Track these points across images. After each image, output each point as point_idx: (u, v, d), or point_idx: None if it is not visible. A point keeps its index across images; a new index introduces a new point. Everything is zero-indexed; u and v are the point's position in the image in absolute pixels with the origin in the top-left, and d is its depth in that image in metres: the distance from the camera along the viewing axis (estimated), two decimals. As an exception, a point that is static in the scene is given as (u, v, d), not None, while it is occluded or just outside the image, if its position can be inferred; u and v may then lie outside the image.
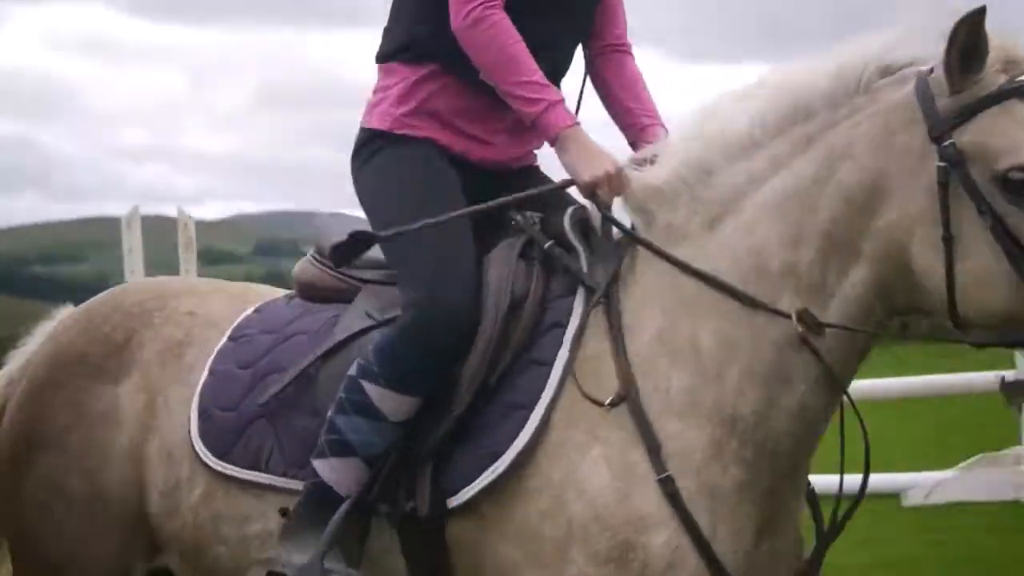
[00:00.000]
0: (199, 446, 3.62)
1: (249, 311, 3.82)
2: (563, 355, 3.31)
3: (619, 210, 3.45)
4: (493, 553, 3.28)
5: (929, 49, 3.15)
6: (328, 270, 3.75)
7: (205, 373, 3.72)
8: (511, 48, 3.45)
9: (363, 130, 3.69)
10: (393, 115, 3.61)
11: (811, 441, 3.30)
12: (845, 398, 3.33)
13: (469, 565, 3.33)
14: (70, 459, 3.76)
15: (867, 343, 3.25)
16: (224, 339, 3.76)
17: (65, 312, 4.07)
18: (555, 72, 3.59)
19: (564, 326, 3.35)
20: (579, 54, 3.77)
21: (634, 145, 3.66)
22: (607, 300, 3.34)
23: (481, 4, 3.44)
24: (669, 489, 3.18)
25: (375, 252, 3.66)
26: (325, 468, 3.38)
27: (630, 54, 3.81)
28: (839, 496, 3.44)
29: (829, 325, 3.19)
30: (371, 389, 3.36)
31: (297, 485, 3.48)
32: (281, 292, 3.96)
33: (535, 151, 3.76)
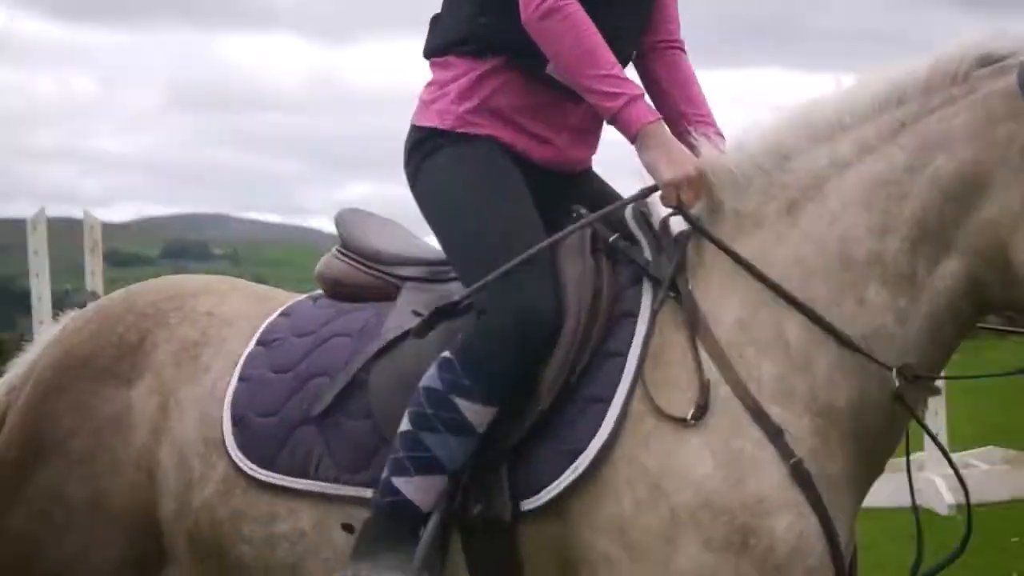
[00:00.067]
0: (237, 455, 3.46)
1: (275, 316, 3.67)
2: (638, 345, 3.20)
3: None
4: (583, 548, 3.15)
5: None
6: (361, 266, 3.62)
7: (234, 379, 3.55)
8: (588, 40, 3.30)
9: (418, 128, 3.52)
10: (455, 112, 3.45)
11: (898, 439, 3.24)
12: None
13: (547, 565, 3.21)
14: (73, 465, 3.60)
15: (955, 342, 3.18)
16: (252, 344, 3.61)
17: (71, 316, 3.92)
18: (622, 66, 3.42)
19: (635, 315, 3.24)
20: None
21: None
22: (676, 290, 3.23)
23: None
24: (800, 473, 3.07)
25: (411, 250, 3.57)
26: (409, 487, 3.23)
27: (684, 52, 3.67)
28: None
29: (926, 377, 3.13)
30: (464, 405, 3.21)
31: (350, 491, 3.35)
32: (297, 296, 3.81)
33: (592, 155, 3.63)
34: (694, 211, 3.28)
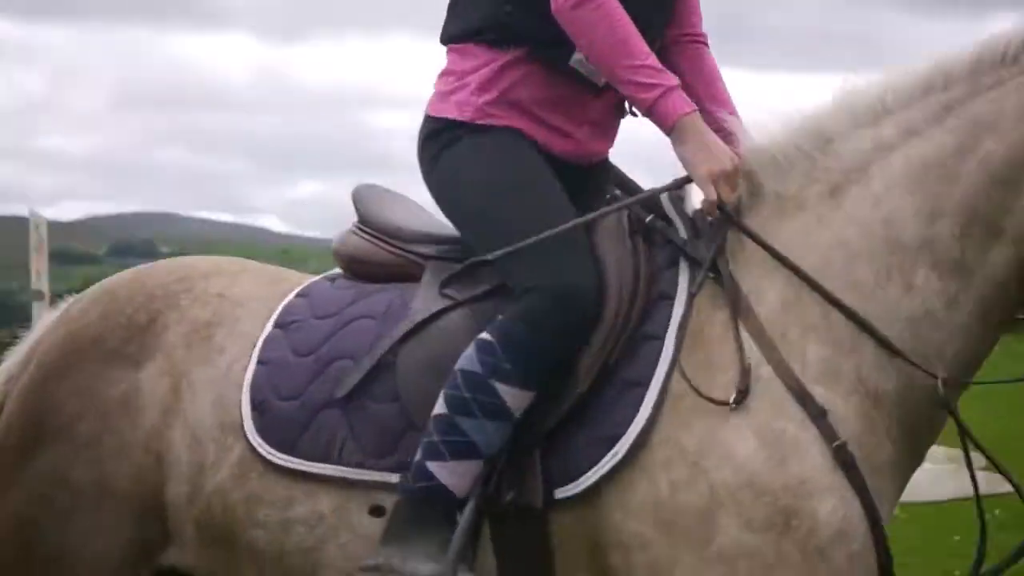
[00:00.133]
0: (256, 440, 3.38)
1: (291, 297, 3.57)
2: (675, 327, 3.15)
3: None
4: (614, 531, 3.10)
5: None
6: (381, 243, 3.53)
7: (253, 362, 3.46)
8: (622, 29, 3.23)
9: (434, 119, 3.43)
10: (475, 104, 3.37)
11: (939, 429, 3.19)
12: None
13: (578, 551, 3.15)
14: (79, 448, 3.50)
15: (999, 332, 3.15)
16: (269, 326, 3.51)
17: (72, 300, 3.80)
18: None
19: (672, 297, 3.19)
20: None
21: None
22: (716, 271, 3.18)
23: None
24: (844, 456, 3.02)
25: (432, 227, 3.48)
26: (444, 471, 3.15)
27: (707, 46, 3.59)
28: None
29: (972, 383, 3.12)
30: (504, 390, 3.14)
31: (375, 476, 3.27)
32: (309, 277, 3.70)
33: (610, 148, 3.55)
34: (730, 202, 3.22)
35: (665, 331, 3.16)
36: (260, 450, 3.38)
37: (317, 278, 3.68)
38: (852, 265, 3.13)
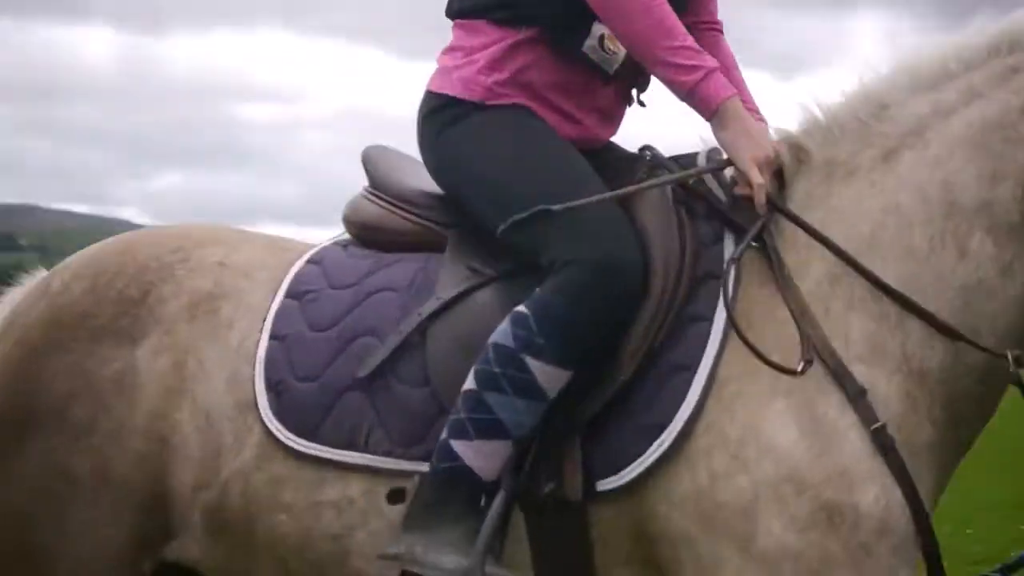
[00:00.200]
0: (274, 425, 3.15)
1: (301, 264, 3.34)
2: (723, 308, 2.98)
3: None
4: (661, 522, 2.95)
5: None
6: (401, 211, 3.31)
7: (264, 337, 3.23)
8: (658, 9, 3.09)
9: (436, 95, 3.26)
10: (483, 84, 3.20)
11: (991, 408, 3.05)
12: None
13: (620, 544, 2.99)
14: (75, 434, 3.26)
15: None
16: (279, 297, 3.28)
17: (50, 273, 3.51)
18: None
19: (718, 277, 3.02)
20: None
21: None
22: (761, 242, 3.04)
23: None
24: (883, 440, 2.89)
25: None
26: (469, 451, 2.96)
27: (722, 33, 3.44)
28: None
29: None
30: (535, 365, 2.95)
31: (405, 466, 3.07)
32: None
33: (612, 137, 3.38)
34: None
35: (713, 312, 3.00)
36: (279, 435, 3.15)
37: (327, 243, 3.44)
38: (906, 231, 3.01)
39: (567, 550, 3.01)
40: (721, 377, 2.96)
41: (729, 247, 3.07)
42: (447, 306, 3.15)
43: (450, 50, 3.29)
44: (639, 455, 2.94)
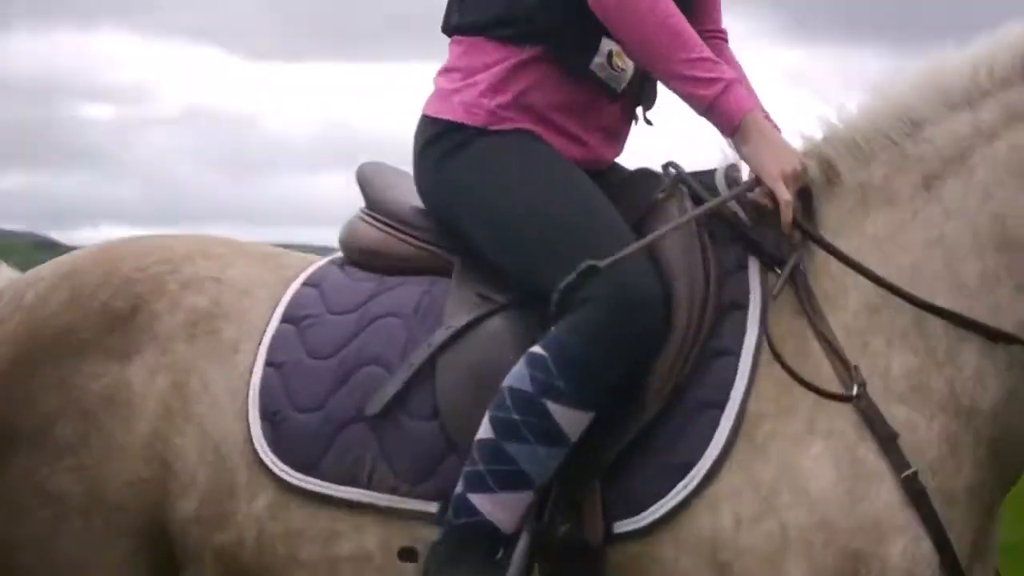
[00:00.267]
0: (268, 457, 3.00)
1: (297, 286, 3.17)
2: (751, 340, 2.86)
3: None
4: (669, 569, 2.81)
5: None
6: (402, 235, 3.15)
7: (260, 365, 3.07)
8: (674, 20, 2.95)
9: (435, 120, 3.09)
10: (486, 107, 3.03)
11: None
12: None
13: None
14: (59, 453, 3.10)
15: None
16: (276, 321, 3.12)
17: (21, 283, 3.30)
18: None
19: (744, 307, 2.89)
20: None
21: None
22: (792, 270, 2.89)
23: None
24: (915, 488, 2.76)
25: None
26: (488, 504, 2.82)
27: (727, 42, 3.28)
28: None
29: None
30: (556, 410, 2.81)
31: (411, 505, 2.93)
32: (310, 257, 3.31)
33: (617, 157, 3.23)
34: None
35: (740, 346, 2.87)
36: (273, 468, 3.00)
37: (323, 263, 3.27)
38: (954, 265, 2.87)
39: None
40: (751, 414, 2.83)
41: (754, 274, 2.94)
42: (457, 335, 3.00)
43: (447, 71, 3.12)
44: (663, 495, 2.81)
